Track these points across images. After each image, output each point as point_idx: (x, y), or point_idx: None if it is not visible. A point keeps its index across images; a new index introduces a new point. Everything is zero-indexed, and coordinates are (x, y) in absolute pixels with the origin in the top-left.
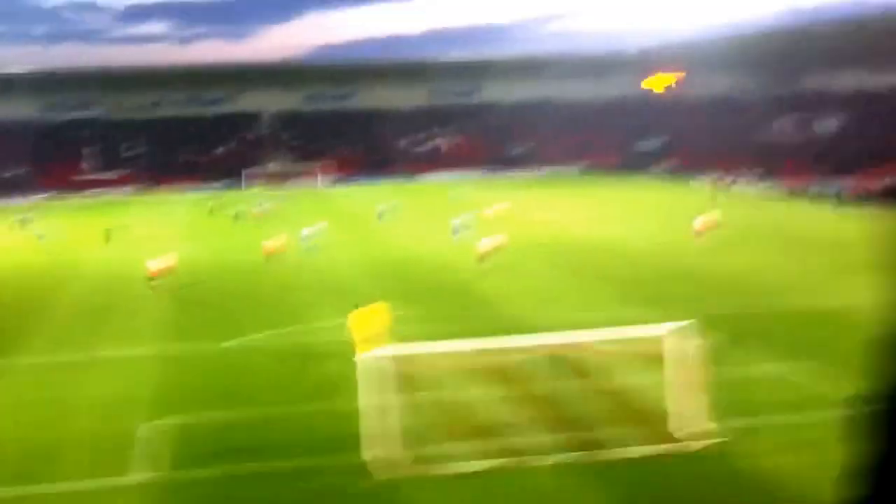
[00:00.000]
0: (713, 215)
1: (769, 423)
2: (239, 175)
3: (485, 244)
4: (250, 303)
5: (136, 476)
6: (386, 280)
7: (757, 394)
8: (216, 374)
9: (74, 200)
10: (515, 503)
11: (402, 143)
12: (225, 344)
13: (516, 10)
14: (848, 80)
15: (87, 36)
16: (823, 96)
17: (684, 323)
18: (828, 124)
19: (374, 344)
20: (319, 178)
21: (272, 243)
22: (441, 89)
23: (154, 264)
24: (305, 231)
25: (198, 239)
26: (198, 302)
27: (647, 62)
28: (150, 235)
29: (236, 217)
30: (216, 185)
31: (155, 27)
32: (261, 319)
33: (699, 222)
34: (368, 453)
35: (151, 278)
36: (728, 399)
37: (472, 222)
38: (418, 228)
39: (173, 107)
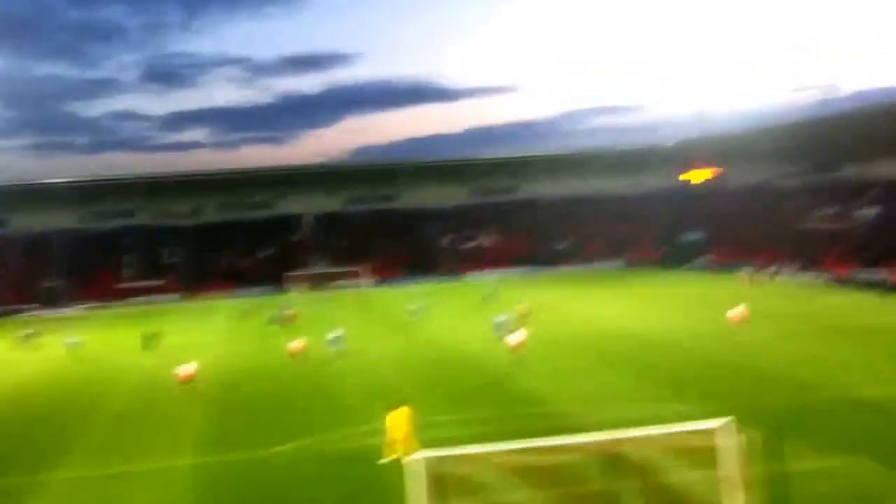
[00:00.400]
0: (743, 308)
1: None
2: (281, 279)
3: (514, 338)
4: (281, 407)
5: None
6: (421, 380)
7: (807, 489)
8: (257, 483)
9: (117, 309)
10: None
11: (444, 242)
12: (263, 452)
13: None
14: (888, 167)
15: (128, 144)
16: (863, 184)
17: (730, 418)
18: (869, 212)
19: (403, 446)
20: (362, 280)
21: (295, 345)
22: (482, 187)
23: (182, 370)
24: (331, 335)
25: (227, 344)
26: (229, 408)
27: (685, 155)
28: (184, 342)
29: (270, 321)
30: (258, 289)
31: (196, 133)
32: (293, 425)
33: (733, 313)
34: None
35: (180, 384)
36: (778, 495)
37: (512, 320)
38: (453, 327)
39: (215, 212)
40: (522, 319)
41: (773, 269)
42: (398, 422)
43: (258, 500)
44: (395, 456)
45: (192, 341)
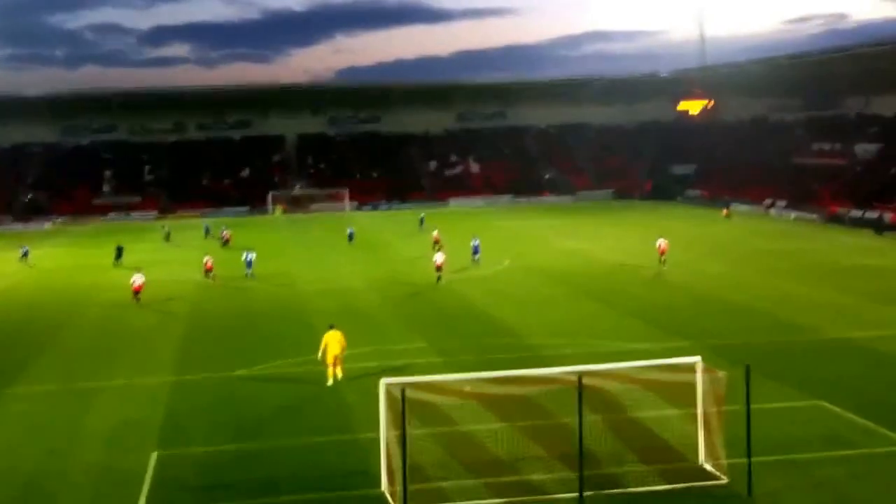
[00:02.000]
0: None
1: (802, 458)
2: (264, 199)
3: (437, 259)
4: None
5: None
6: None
7: (789, 427)
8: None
9: (94, 224)
10: None
11: (429, 167)
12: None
13: (546, 31)
14: (891, 104)
15: (109, 58)
16: (864, 120)
17: (699, 357)
18: (867, 149)
19: (337, 366)
20: (343, 203)
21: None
22: (469, 112)
23: (136, 280)
24: (247, 255)
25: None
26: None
27: (681, 85)
28: (150, 259)
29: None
30: (238, 209)
31: (178, 49)
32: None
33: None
34: (386, 486)
35: (133, 293)
36: (758, 433)
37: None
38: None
39: (196, 130)
40: (437, 245)
41: (767, 203)
42: (332, 343)
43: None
44: (335, 376)
45: (154, 258)
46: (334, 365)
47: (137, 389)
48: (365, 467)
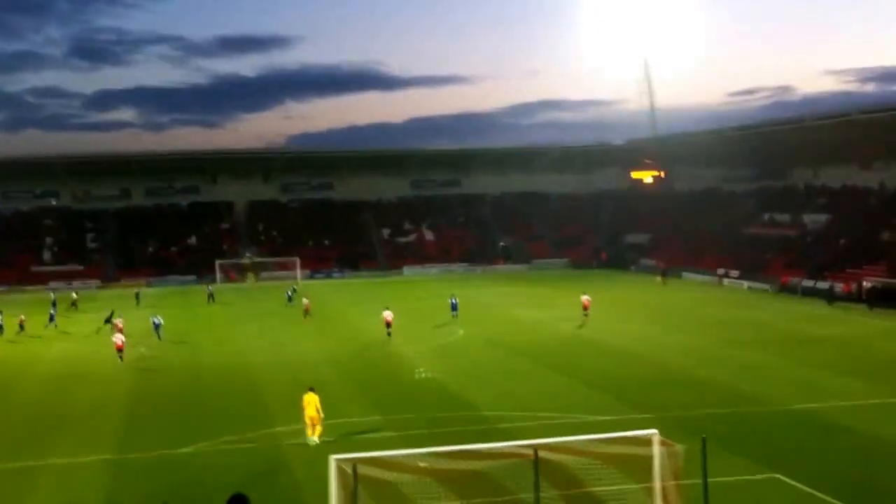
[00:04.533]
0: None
1: None
2: (212, 266)
3: (387, 316)
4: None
5: None
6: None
7: (747, 500)
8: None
9: (34, 294)
10: None
11: (384, 234)
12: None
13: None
14: (838, 174)
15: (52, 121)
16: (813, 190)
17: (656, 430)
18: (816, 220)
19: (318, 426)
20: (298, 271)
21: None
22: (424, 179)
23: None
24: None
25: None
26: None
27: (634, 154)
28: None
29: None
30: (184, 277)
31: (124, 113)
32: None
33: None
34: None
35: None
36: None
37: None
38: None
39: (142, 196)
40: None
41: (721, 273)
42: (310, 404)
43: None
44: (316, 435)
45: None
46: (312, 426)
47: (78, 469)
48: None
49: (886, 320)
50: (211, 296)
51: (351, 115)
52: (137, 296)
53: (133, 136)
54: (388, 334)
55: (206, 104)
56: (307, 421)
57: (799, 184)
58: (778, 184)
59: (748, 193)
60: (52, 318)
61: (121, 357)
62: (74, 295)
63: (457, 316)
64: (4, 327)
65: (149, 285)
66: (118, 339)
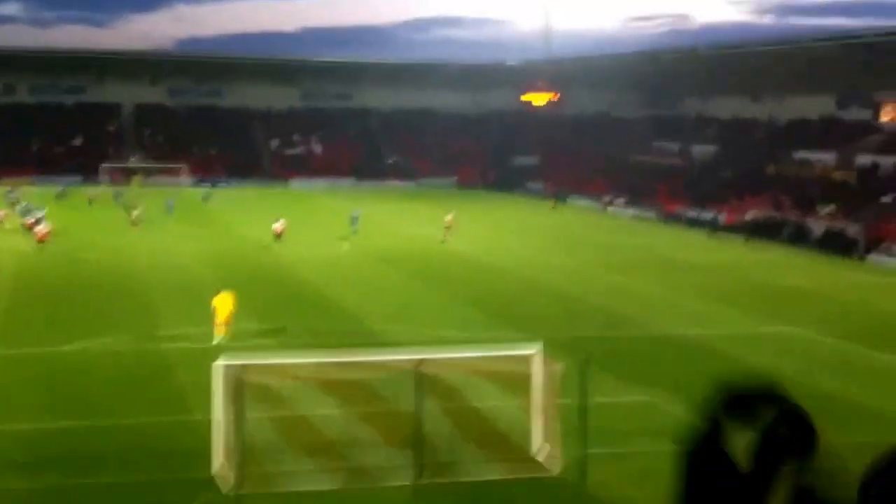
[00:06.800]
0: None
1: (632, 451)
2: (97, 168)
3: (277, 227)
4: None
5: None
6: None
7: (620, 421)
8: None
9: None
10: None
11: (272, 146)
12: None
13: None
14: (728, 106)
15: None
16: (702, 121)
17: (539, 346)
18: (704, 151)
19: (225, 329)
20: (181, 178)
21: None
22: (314, 91)
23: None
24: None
25: None
26: None
27: (526, 76)
28: None
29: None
30: (68, 178)
31: (9, 7)
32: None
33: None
34: (216, 467)
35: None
36: (591, 425)
37: None
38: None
39: (27, 94)
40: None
41: (606, 199)
42: (223, 305)
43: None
44: (221, 335)
45: None
46: (224, 325)
47: None
48: (197, 449)
49: (764, 252)
50: (93, 200)
51: (242, 22)
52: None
53: (18, 30)
54: (277, 243)
55: (94, 1)
56: (219, 321)
57: (689, 114)
58: (668, 113)
59: (639, 121)
60: None
61: None
62: None
63: (356, 231)
64: None
65: (32, 184)
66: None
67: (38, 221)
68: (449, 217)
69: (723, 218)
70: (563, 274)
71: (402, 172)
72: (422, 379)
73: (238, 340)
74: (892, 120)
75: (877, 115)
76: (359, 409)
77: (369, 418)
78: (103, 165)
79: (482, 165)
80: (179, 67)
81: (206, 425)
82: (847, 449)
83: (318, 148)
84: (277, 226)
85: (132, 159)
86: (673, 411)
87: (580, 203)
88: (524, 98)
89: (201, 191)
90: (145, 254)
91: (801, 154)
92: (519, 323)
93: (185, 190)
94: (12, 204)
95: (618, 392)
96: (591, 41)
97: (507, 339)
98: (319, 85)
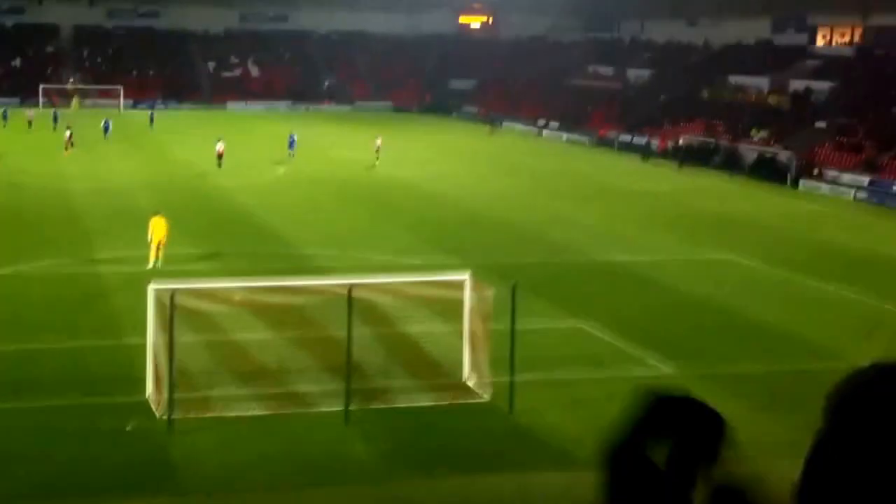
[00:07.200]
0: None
1: (563, 378)
2: (36, 90)
3: (219, 147)
4: None
5: None
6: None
7: (551, 348)
8: None
9: None
10: (294, 450)
11: (209, 68)
12: None
13: None
14: (662, 31)
15: None
16: (636, 46)
17: (470, 272)
18: (640, 75)
19: (159, 252)
20: (122, 100)
21: None
22: (251, 12)
23: None
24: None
25: None
26: None
27: None
28: None
29: None
30: (11, 99)
31: None
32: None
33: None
34: (149, 392)
35: None
36: (523, 352)
37: None
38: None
39: None
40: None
41: (541, 122)
42: (158, 228)
43: None
44: (155, 259)
45: None
46: (157, 249)
47: None
48: (130, 373)
49: (696, 178)
50: (31, 121)
51: None
52: None
53: None
54: (219, 166)
55: None
56: (155, 244)
57: (625, 37)
58: (604, 35)
59: (574, 44)
60: None
61: None
62: None
63: (293, 154)
64: None
65: None
66: None
67: None
68: (378, 140)
69: (656, 143)
70: (496, 198)
71: (339, 95)
72: (353, 304)
73: (173, 264)
74: (827, 44)
75: (812, 39)
76: (291, 334)
77: (302, 344)
78: (43, 87)
79: (418, 89)
80: None
81: (141, 350)
82: (783, 376)
83: (255, 70)
84: (220, 146)
85: (71, 80)
86: (605, 338)
87: (515, 127)
88: (462, 20)
89: (140, 112)
90: (82, 177)
91: (735, 79)
92: (454, 249)
93: (124, 112)
94: None
95: (551, 318)
96: None
97: (442, 265)
98: (256, 7)
